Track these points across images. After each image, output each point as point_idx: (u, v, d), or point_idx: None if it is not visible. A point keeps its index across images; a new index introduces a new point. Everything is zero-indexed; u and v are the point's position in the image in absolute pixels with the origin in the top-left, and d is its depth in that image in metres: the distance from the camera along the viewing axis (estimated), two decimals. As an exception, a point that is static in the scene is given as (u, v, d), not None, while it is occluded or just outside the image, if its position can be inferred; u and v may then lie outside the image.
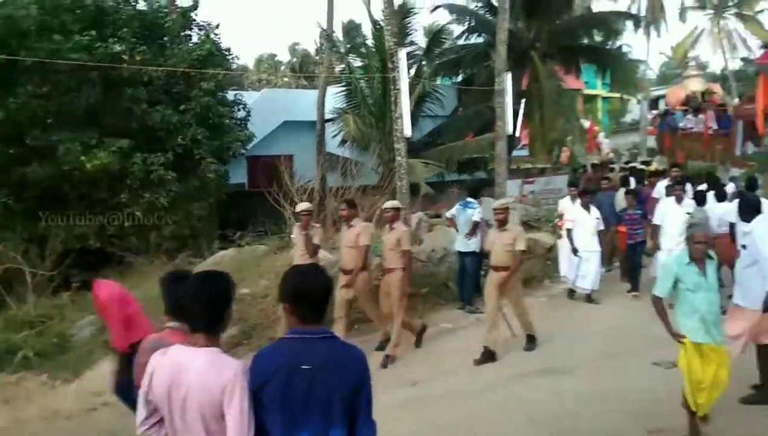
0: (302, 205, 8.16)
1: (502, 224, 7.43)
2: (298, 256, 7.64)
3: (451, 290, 9.71)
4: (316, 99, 16.57)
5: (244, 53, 75.86)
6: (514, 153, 20.52)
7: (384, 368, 7.07)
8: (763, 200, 8.13)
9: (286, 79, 44.44)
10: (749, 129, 12.65)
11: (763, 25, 43.79)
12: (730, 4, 43.11)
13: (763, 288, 5.10)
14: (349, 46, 18.14)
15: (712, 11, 43.36)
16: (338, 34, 18.40)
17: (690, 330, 4.74)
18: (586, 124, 25.88)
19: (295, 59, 46.98)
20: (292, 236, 8.22)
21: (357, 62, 18.17)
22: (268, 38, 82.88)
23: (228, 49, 15.47)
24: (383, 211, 7.88)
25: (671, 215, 8.35)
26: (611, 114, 45.60)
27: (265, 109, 17.05)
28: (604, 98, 41.56)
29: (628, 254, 9.89)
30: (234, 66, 18.69)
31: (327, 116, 16.62)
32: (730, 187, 9.90)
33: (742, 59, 46.56)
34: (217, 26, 15.01)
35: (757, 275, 5.28)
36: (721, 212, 8.30)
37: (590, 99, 38.65)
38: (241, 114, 15.34)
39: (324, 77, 16.18)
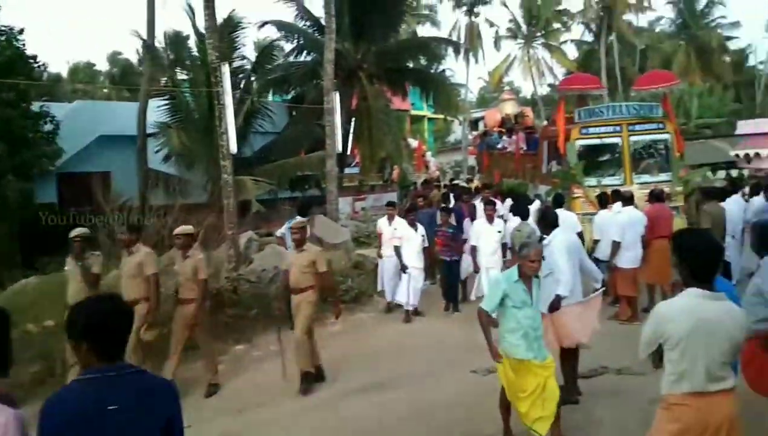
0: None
1: (300, 243, 6.98)
2: (74, 291, 6.64)
3: (282, 310, 9.49)
4: (136, 112, 15.59)
5: (56, 61, 69.70)
6: (347, 170, 20.88)
7: (209, 397, 6.74)
8: (564, 214, 8.99)
9: (105, 90, 41.56)
10: (553, 149, 13.77)
11: (566, 54, 48.91)
12: (538, 35, 47.65)
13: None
14: (173, 57, 17.30)
15: (522, 41, 47.61)
16: (164, 44, 17.45)
17: (513, 347, 4.87)
18: (415, 143, 27.08)
19: (115, 69, 44.09)
20: (66, 268, 7.14)
21: (182, 75, 17.41)
22: (85, 46, 77.02)
23: (34, 57, 14.11)
24: (176, 237, 7.12)
25: (484, 235, 8.89)
26: (436, 134, 48.13)
27: (78, 123, 15.75)
28: (430, 119, 43.82)
29: (444, 272, 10.07)
30: (44, 75, 17.07)
31: (149, 130, 15.69)
32: (536, 204, 10.78)
33: (549, 85, 51.69)
34: (21, 31, 13.65)
35: (554, 283, 5.75)
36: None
37: (417, 120, 40.55)
38: (48, 127, 14.00)
39: (145, 89, 15.25)
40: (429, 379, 6.92)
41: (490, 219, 9.13)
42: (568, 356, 6.13)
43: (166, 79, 17.25)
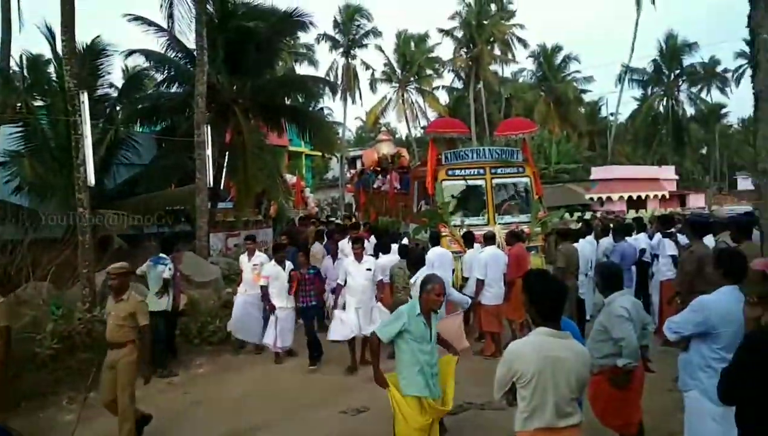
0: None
1: (119, 291, 6.10)
2: None
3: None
4: (-18, 139, 14.26)
5: None
6: (220, 205, 20.26)
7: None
8: (440, 251, 9.35)
9: (-49, 113, 37.84)
10: (423, 189, 14.23)
11: (438, 99, 51.25)
12: (412, 79, 49.63)
13: None
14: (29, 82, 16.08)
15: (397, 84, 49.33)
16: (19, 67, 16.18)
17: (412, 384, 4.83)
18: (293, 179, 26.91)
19: (-37, 92, 40.40)
20: None
21: (39, 101, 16.18)
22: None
23: None
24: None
25: (353, 274, 8.61)
26: (314, 171, 48.27)
27: None
28: (308, 155, 43.91)
29: (302, 318, 9.29)
30: None
31: (-1, 159, 14.38)
32: (404, 241, 11.11)
33: (423, 128, 53.71)
34: None
35: None
36: (385, 262, 9.52)
37: (295, 155, 40.46)
38: None
39: (-6, 115, 14.04)
40: (296, 422, 6.74)
41: (358, 257, 8.71)
42: None
43: (20, 104, 15.95)
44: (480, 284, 9.29)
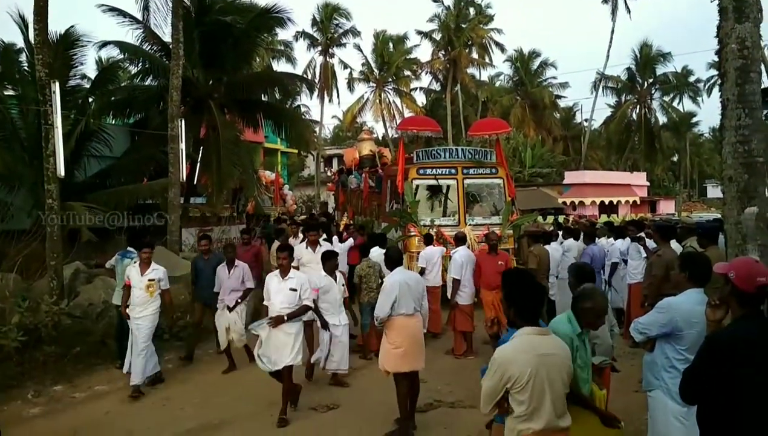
0: None
1: None
2: None
3: (109, 347, 8.81)
4: (-51, 127, 13.95)
5: None
6: (193, 200, 20.05)
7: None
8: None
9: None
10: (394, 188, 14.10)
11: (416, 101, 51.36)
12: (390, 80, 49.66)
13: None
14: (0, 71, 15.71)
15: (374, 84, 49.32)
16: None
17: None
18: (272, 176, 26.70)
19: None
20: None
21: (9, 90, 15.85)
22: None
23: None
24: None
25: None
26: (290, 168, 48.03)
27: None
28: (283, 153, 43.68)
29: None
30: None
31: (-35, 149, 14.07)
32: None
33: (397, 130, 53.81)
34: None
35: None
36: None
37: (271, 152, 40.22)
38: None
39: (-39, 103, 13.73)
40: (265, 418, 6.71)
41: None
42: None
43: (-11, 93, 15.61)
44: (456, 283, 9.34)
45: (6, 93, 15.77)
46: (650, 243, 9.23)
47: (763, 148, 4.36)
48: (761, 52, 4.43)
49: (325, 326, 7.60)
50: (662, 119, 53.52)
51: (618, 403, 4.97)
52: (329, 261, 7.73)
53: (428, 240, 11.09)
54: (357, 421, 6.55)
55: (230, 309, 8.30)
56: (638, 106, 51.27)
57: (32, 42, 14.52)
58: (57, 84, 8.92)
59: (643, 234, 9.86)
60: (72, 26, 15.19)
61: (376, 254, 9.39)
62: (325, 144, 52.60)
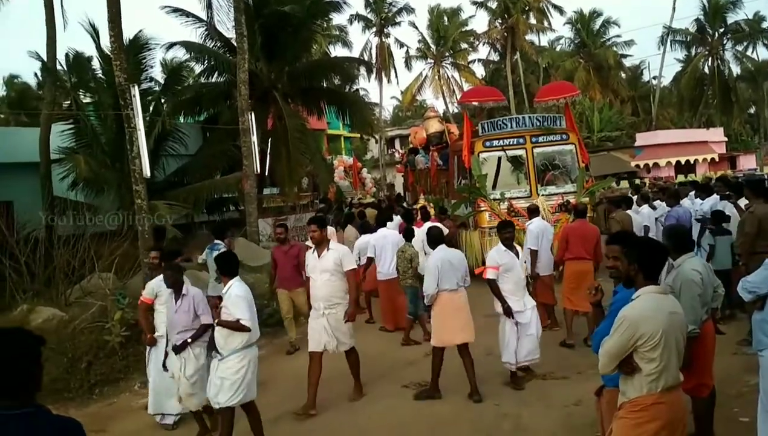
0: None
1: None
2: None
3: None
4: (37, 138, 14.75)
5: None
6: (268, 191, 20.58)
7: None
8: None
9: (2, 115, 39.23)
10: (461, 163, 13.78)
11: (475, 73, 50.58)
12: (447, 55, 49.05)
13: None
14: (75, 80, 16.50)
15: (432, 61, 48.84)
16: (65, 65, 16.58)
17: None
18: (350, 160, 26.94)
19: (12, 93, 41.74)
20: None
21: (86, 98, 16.64)
22: (-23, 70, 72.25)
23: None
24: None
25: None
26: (354, 152, 48.40)
27: (-27, 151, 14.73)
28: (346, 138, 44.06)
29: None
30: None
31: (53, 156, 14.89)
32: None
33: (458, 103, 53.22)
34: None
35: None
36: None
37: (334, 138, 40.68)
38: (-62, 156, 13.01)
39: (46, 114, 14.47)
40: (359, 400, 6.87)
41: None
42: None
43: (69, 102, 16.44)
44: (534, 254, 9.17)
45: (84, 101, 16.57)
46: (741, 201, 8.80)
47: None
48: None
49: (509, 312, 6.67)
50: (736, 70, 50.59)
51: (718, 365, 4.83)
52: (507, 232, 6.82)
53: (425, 215, 11.35)
54: (450, 398, 6.61)
55: (176, 351, 5.98)
56: (710, 59, 48.64)
57: (104, 49, 15.28)
58: (137, 88, 9.31)
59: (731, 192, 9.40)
60: (140, 30, 15.77)
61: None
62: (386, 126, 52.61)
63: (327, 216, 16.68)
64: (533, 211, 9.93)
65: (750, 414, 4.61)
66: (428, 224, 11.10)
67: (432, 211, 13.33)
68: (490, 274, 6.70)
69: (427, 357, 7.24)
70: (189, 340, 5.92)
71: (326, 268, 6.49)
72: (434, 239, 6.82)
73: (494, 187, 13.18)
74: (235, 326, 5.32)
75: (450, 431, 5.80)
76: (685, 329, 3.47)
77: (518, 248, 7.05)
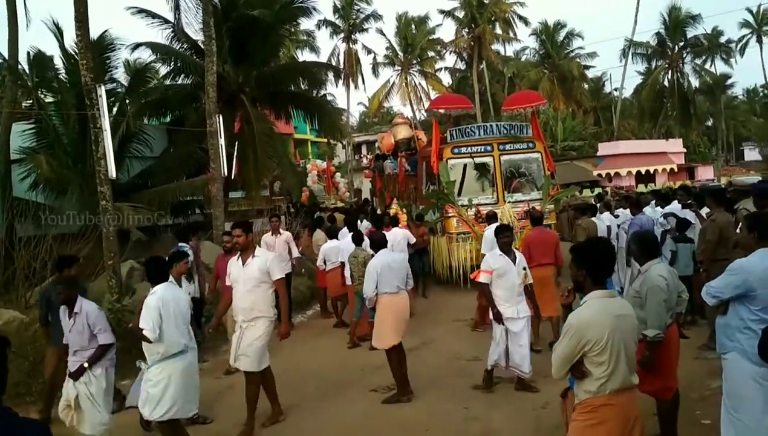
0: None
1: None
2: None
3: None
4: (-3, 138, 14.33)
5: None
6: (233, 194, 20.38)
7: None
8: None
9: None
10: (430, 169, 13.97)
11: (442, 81, 50.99)
12: (414, 62, 49.34)
13: None
14: (37, 79, 16.09)
15: (399, 68, 49.08)
16: (25, 65, 16.16)
17: None
18: (323, 164, 26.78)
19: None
20: None
21: (48, 98, 16.25)
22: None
23: None
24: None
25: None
26: (321, 157, 48.27)
27: (-73, 150, 14.21)
28: (313, 142, 43.88)
29: None
30: None
31: (13, 157, 14.49)
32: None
33: (426, 110, 53.60)
34: None
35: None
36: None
37: (301, 143, 40.45)
38: None
39: (7, 112, 14.08)
40: (329, 401, 6.85)
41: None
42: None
43: (30, 101, 16.03)
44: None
45: (46, 100, 16.18)
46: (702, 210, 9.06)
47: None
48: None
49: (498, 317, 6.48)
50: (695, 83, 52.25)
51: (680, 370, 4.97)
52: (505, 236, 6.67)
53: (393, 221, 12.10)
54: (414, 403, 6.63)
55: (73, 377, 5.42)
56: (670, 72, 50.05)
57: (68, 48, 14.97)
58: (103, 88, 9.14)
59: (691, 201, 9.69)
60: (105, 30, 15.49)
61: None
62: (353, 131, 52.59)
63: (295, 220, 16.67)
64: (491, 218, 10.13)
65: (712, 416, 4.74)
66: (396, 230, 11.23)
67: (404, 218, 13.50)
68: (482, 278, 6.60)
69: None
70: (86, 365, 5.35)
71: (251, 276, 5.93)
72: (376, 243, 7.11)
73: (459, 193, 13.30)
74: (140, 335, 5.06)
75: (424, 435, 5.82)
76: (636, 331, 3.54)
77: (518, 253, 6.85)
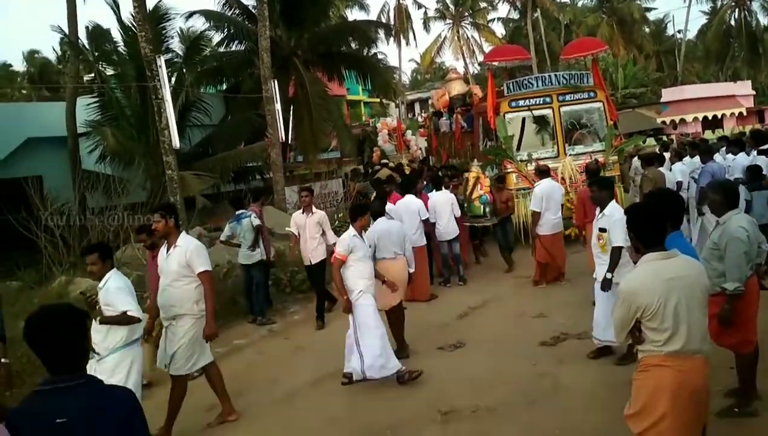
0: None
1: None
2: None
3: (239, 304, 9.38)
4: (63, 112, 14.89)
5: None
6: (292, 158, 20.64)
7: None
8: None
9: (24, 91, 39.58)
10: (486, 125, 13.63)
11: (495, 33, 49.67)
12: (466, 14, 48.15)
13: None
14: (97, 53, 16.54)
15: (451, 21, 48.00)
16: (83, 40, 16.59)
17: None
18: (394, 123, 26.70)
19: (32, 69, 42.01)
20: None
21: (109, 71, 16.69)
22: (-3, 46, 72.72)
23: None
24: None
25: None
26: (374, 117, 48.15)
27: (2, 127, 14.93)
28: (366, 103, 43.71)
29: None
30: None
31: (79, 130, 15.05)
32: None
33: (480, 64, 52.42)
34: None
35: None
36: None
37: (354, 104, 40.39)
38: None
39: (71, 87, 14.57)
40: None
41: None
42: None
43: (92, 75, 16.52)
44: (535, 216, 9.29)
45: (107, 73, 16.63)
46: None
47: None
48: None
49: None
50: (764, 21, 49.11)
51: (759, 322, 4.78)
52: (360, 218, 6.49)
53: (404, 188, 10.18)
54: (484, 358, 6.67)
55: None
56: (737, 10, 47.19)
57: (125, 21, 15.29)
58: (162, 59, 9.31)
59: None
60: (160, 1, 15.68)
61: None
62: (405, 89, 52.07)
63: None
64: (542, 172, 9.82)
65: (794, 370, 4.58)
66: (436, 194, 10.42)
67: (486, 182, 12.00)
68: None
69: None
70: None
71: (170, 269, 5.32)
72: (375, 212, 7.17)
73: (518, 148, 12.98)
74: (125, 320, 4.69)
75: (493, 392, 5.83)
76: (699, 290, 3.30)
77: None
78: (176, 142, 9.45)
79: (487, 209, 11.10)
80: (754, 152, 9.22)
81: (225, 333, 8.55)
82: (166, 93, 9.11)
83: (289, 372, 6.97)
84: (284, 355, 7.66)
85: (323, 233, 8.71)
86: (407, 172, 16.57)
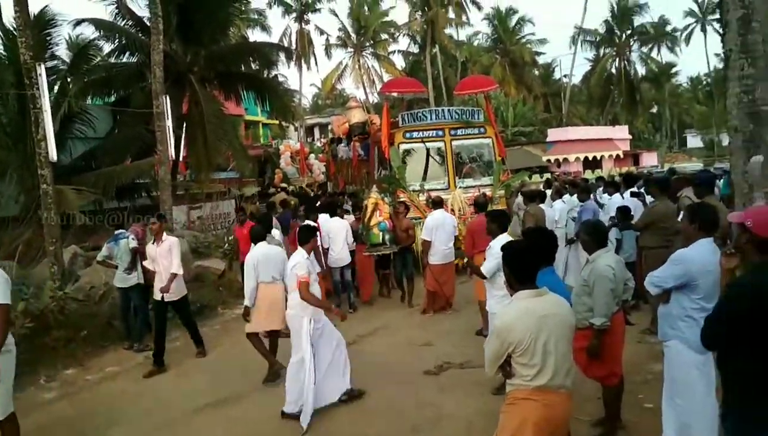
0: None
1: None
2: None
3: (115, 328, 8.85)
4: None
5: None
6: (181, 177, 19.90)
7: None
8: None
9: None
10: (381, 154, 13.85)
11: (395, 64, 50.87)
12: (367, 44, 49.04)
13: None
14: (-27, 56, 15.27)
15: (352, 50, 48.71)
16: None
17: None
18: (297, 146, 26.24)
19: None
20: None
21: (-16, 76, 15.42)
22: None
23: None
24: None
25: None
26: (276, 139, 47.69)
27: None
28: (265, 124, 43.22)
29: None
30: None
31: (-54, 138, 13.76)
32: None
33: (378, 93, 53.39)
34: None
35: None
36: None
37: (252, 125, 39.79)
38: None
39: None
40: (269, 392, 6.80)
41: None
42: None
43: (-33, 79, 15.20)
44: (426, 244, 9.54)
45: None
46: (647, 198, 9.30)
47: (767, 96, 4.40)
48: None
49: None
50: (641, 71, 53.67)
51: (623, 354, 5.12)
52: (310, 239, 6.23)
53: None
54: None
55: None
56: (617, 59, 51.26)
57: (6, 24, 14.23)
58: (43, 66, 8.74)
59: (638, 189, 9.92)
60: (46, 6, 14.77)
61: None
62: (305, 113, 52.06)
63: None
64: (436, 204, 10.12)
65: (655, 401, 4.87)
66: (331, 220, 10.54)
67: (386, 209, 11.54)
68: None
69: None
70: None
71: None
72: (254, 236, 7.28)
73: (424, 178, 13.32)
74: None
75: (377, 421, 5.82)
76: (567, 328, 3.47)
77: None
78: (53, 154, 8.86)
79: (387, 237, 10.74)
80: (627, 193, 9.91)
81: (98, 359, 8.08)
82: (45, 103, 8.54)
83: (166, 402, 6.64)
84: (161, 383, 7.29)
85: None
86: (311, 195, 16.53)
